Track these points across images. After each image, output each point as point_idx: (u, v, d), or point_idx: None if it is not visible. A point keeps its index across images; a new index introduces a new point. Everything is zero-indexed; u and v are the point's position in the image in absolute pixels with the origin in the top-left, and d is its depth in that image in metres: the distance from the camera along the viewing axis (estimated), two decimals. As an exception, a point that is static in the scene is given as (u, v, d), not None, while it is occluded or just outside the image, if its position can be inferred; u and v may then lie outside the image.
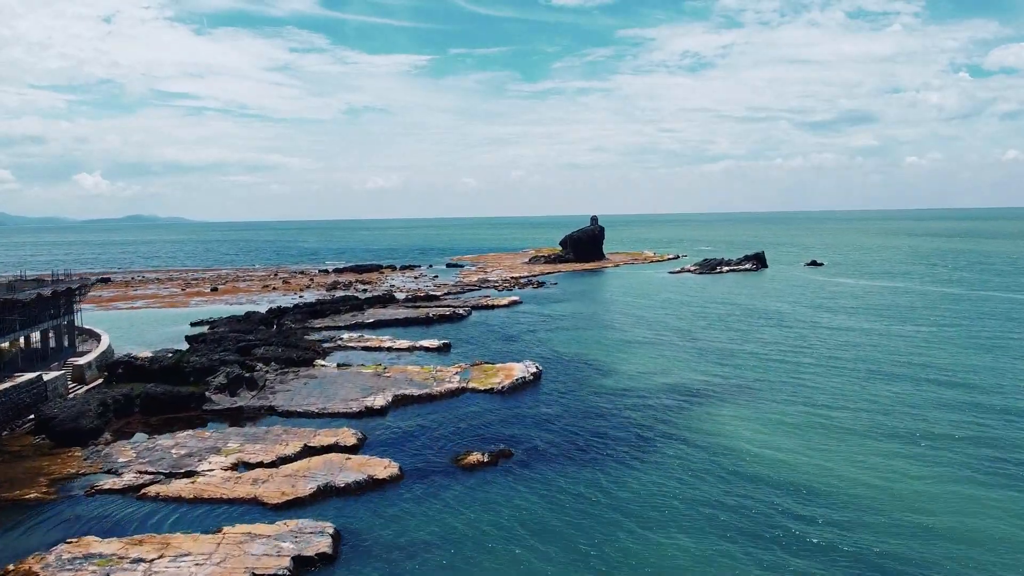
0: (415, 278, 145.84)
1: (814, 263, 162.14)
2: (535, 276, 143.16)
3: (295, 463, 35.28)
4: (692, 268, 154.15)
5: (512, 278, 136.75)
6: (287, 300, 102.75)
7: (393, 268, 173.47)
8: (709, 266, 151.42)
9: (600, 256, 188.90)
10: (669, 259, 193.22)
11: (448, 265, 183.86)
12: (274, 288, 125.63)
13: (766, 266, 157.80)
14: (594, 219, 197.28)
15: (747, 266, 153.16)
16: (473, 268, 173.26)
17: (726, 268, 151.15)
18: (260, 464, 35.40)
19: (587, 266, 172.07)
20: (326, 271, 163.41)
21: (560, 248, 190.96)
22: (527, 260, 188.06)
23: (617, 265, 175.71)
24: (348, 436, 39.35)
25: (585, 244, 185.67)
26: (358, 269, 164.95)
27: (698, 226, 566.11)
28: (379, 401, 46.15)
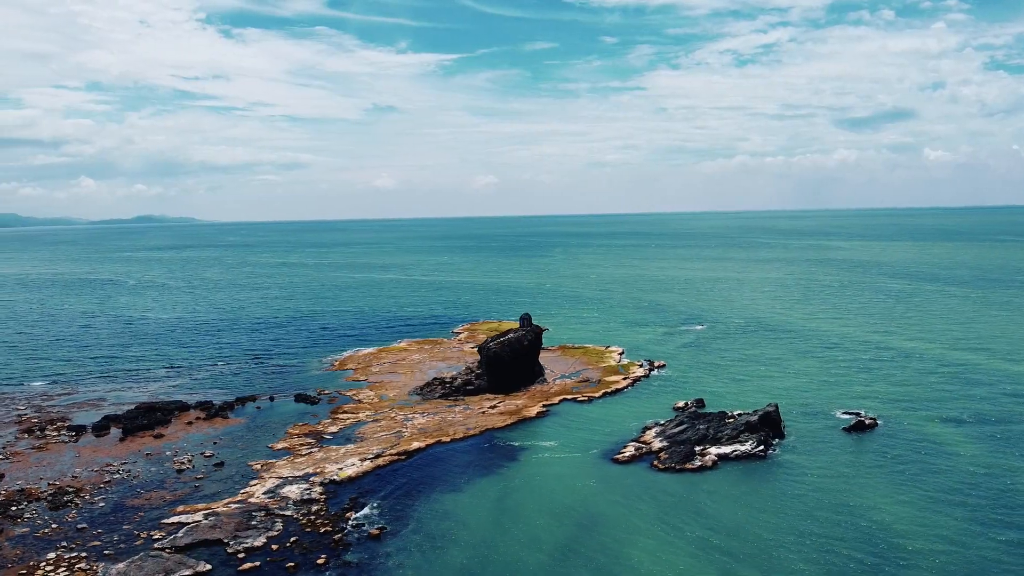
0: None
1: (861, 422, 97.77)
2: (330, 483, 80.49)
3: None
4: (655, 446, 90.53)
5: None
6: None
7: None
8: (681, 455, 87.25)
9: (531, 376, 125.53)
10: (639, 375, 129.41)
11: (296, 398, 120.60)
12: None
13: (781, 435, 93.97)
14: (526, 319, 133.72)
15: (747, 446, 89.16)
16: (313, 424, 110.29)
17: (711, 454, 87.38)
18: None
19: (499, 410, 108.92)
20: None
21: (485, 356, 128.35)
22: (418, 388, 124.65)
23: (547, 405, 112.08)
24: None
25: (505, 364, 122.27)
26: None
27: (708, 248, 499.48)
28: None
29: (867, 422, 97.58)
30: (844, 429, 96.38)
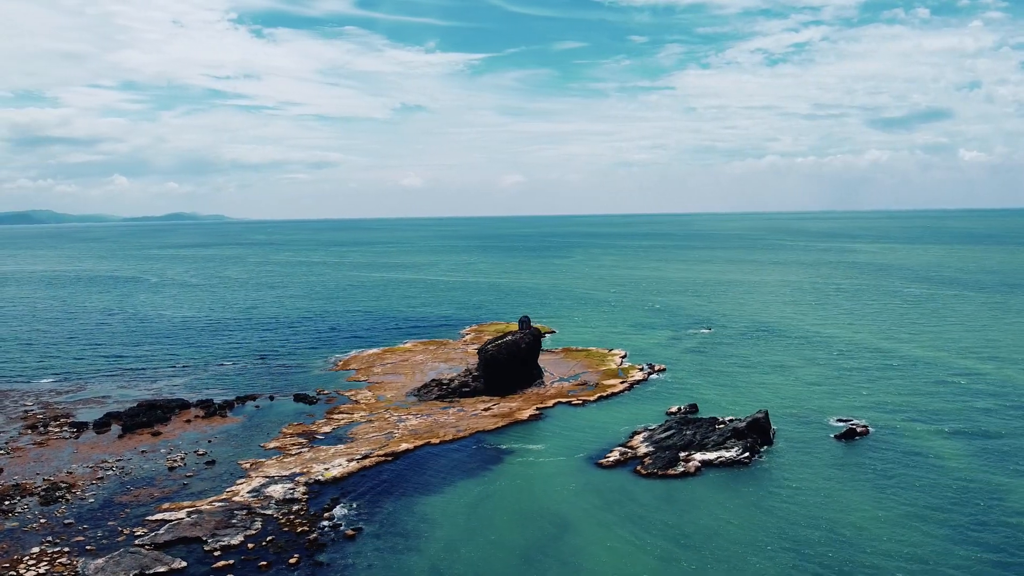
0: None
1: (852, 430, 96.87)
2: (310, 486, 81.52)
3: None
4: (641, 452, 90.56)
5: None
6: None
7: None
8: (664, 461, 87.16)
9: (528, 378, 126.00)
10: (638, 379, 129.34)
11: (296, 397, 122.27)
12: None
13: (769, 442, 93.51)
14: (524, 321, 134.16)
15: (733, 452, 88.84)
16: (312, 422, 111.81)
17: (695, 460, 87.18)
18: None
19: (492, 412, 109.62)
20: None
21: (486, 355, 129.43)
22: (416, 389, 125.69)
23: (541, 408, 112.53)
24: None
25: (502, 367, 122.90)
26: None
27: (732, 249, 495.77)
28: None
29: (858, 430, 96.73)
30: (835, 437, 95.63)
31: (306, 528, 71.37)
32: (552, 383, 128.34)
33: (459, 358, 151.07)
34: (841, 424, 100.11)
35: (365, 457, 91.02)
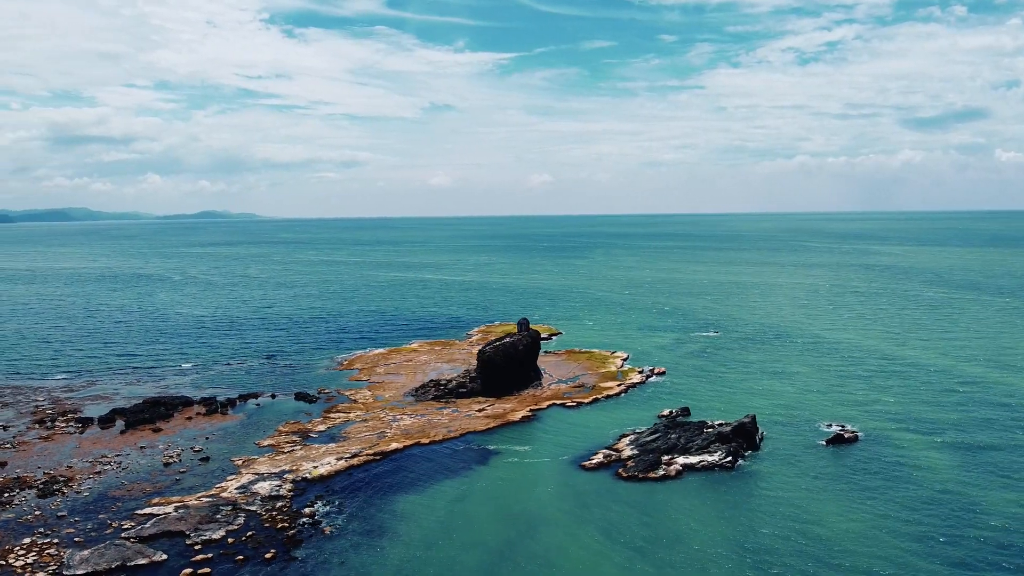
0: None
1: (840, 436, 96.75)
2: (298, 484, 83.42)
3: None
4: (626, 454, 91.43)
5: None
6: None
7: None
8: (647, 463, 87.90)
9: (525, 380, 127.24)
10: (635, 382, 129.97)
11: (297, 395, 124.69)
12: None
13: (756, 447, 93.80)
14: (523, 323, 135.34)
15: (716, 456, 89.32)
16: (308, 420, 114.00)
17: (677, 463, 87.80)
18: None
19: (485, 413, 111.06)
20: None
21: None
22: (414, 389, 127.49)
23: (535, 410, 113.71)
24: None
25: (498, 368, 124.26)
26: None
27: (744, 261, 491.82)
28: None
29: (847, 436, 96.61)
30: (823, 442, 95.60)
31: (286, 524, 73.33)
32: (550, 385, 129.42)
33: (463, 359, 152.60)
34: (831, 430, 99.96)
35: (354, 456, 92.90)
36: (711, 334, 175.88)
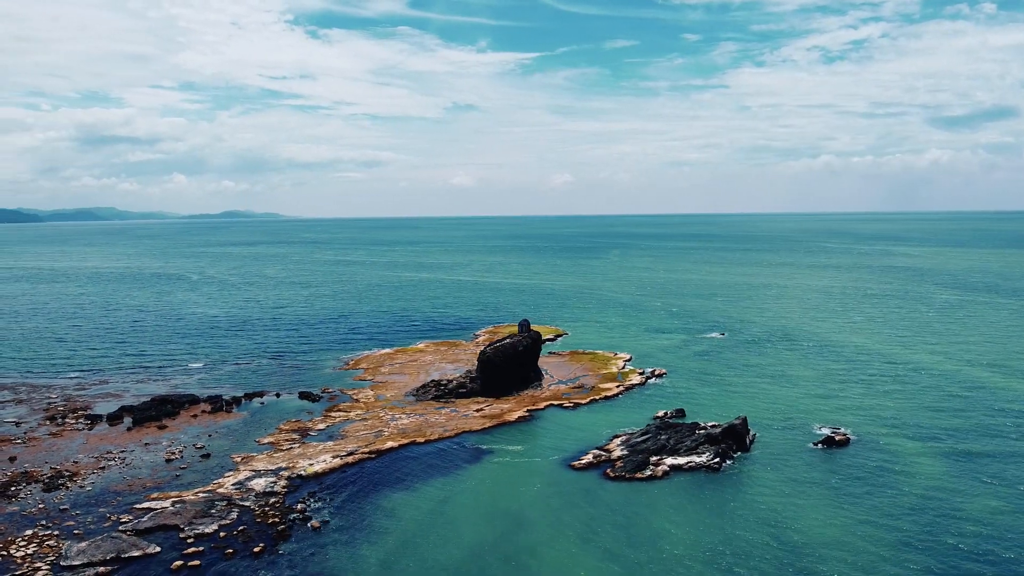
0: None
1: (831, 439, 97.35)
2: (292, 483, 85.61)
3: None
4: (616, 455, 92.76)
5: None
6: None
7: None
8: (635, 464, 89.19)
9: (525, 381, 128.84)
10: (634, 384, 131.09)
11: (301, 395, 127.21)
12: None
13: (746, 448, 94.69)
14: (524, 324, 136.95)
15: (703, 458, 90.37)
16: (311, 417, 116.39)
17: (665, 464, 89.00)
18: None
19: (483, 413, 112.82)
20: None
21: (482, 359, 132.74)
22: (415, 389, 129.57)
23: (532, 410, 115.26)
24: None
25: (498, 369, 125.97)
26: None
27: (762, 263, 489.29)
28: None
29: (838, 439, 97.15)
30: (813, 445, 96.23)
31: (277, 519, 75.57)
32: (550, 386, 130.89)
33: (467, 359, 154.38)
34: (822, 433, 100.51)
35: (350, 454, 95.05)
36: (717, 336, 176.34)
